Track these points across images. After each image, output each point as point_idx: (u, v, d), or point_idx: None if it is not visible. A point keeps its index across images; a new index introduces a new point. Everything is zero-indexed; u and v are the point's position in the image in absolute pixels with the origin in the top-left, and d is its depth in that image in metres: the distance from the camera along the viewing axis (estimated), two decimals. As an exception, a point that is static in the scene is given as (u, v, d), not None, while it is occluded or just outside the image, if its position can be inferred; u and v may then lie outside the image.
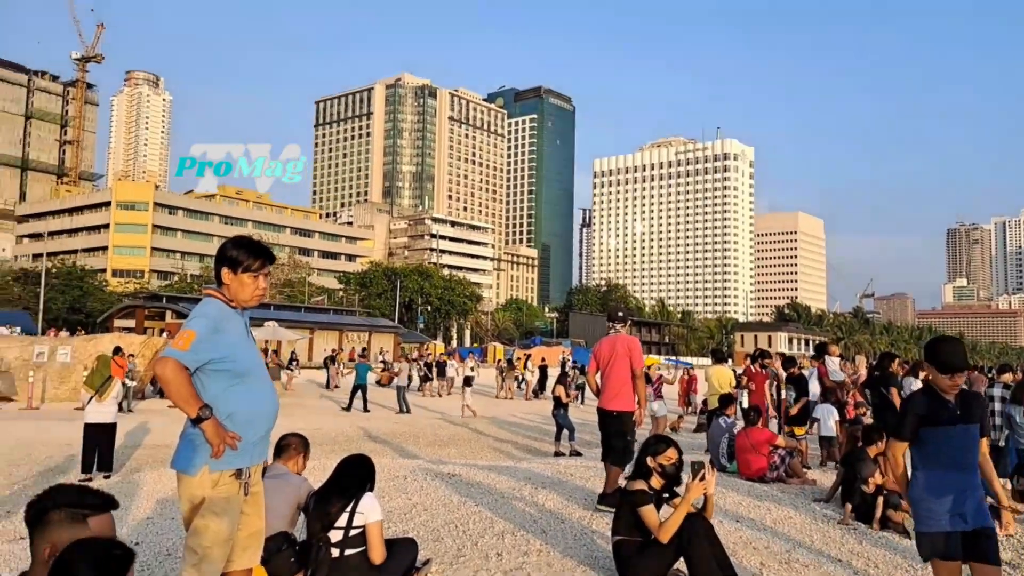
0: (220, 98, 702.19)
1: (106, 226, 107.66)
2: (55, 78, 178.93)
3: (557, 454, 13.16)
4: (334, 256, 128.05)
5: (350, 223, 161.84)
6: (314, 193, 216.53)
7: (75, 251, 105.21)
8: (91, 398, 10.07)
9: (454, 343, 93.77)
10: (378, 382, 32.85)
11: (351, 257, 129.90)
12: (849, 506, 7.12)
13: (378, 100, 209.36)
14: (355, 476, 4.59)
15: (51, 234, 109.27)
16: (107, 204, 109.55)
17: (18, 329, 40.43)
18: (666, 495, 5.03)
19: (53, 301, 68.39)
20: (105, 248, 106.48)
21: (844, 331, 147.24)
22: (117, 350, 18.09)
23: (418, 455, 12.67)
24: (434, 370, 28.54)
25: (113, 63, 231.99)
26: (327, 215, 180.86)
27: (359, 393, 21.19)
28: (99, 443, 9.98)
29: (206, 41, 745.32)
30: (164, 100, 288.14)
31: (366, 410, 20.78)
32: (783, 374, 12.34)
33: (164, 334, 36.84)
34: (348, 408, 21.15)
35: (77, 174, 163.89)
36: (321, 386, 30.95)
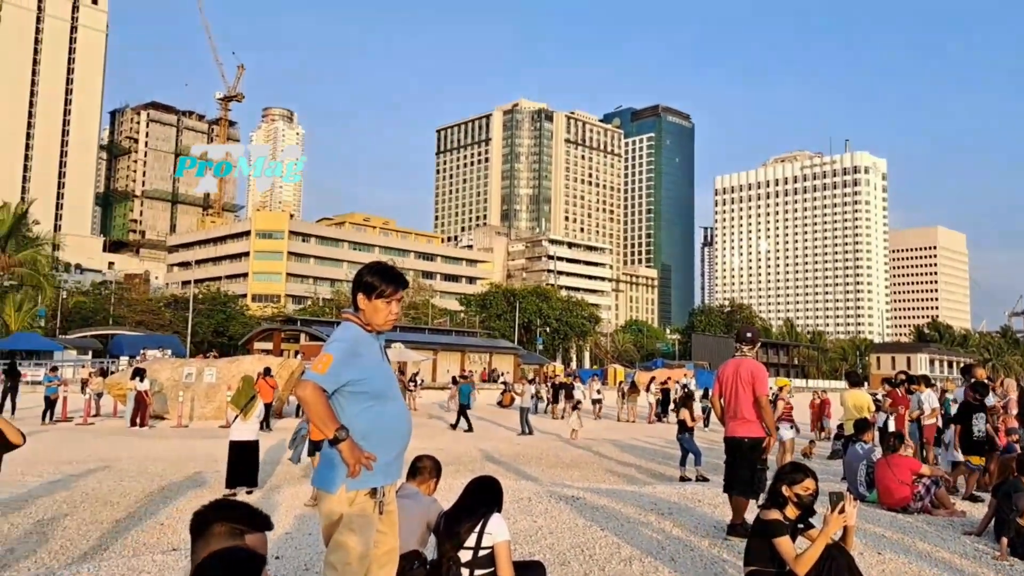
0: (347, 130, 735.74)
1: (246, 254, 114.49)
2: (201, 117, 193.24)
3: (683, 479, 12.86)
4: (455, 279, 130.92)
5: (470, 246, 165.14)
6: (436, 218, 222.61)
7: (219, 278, 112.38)
8: (236, 417, 10.67)
9: (573, 365, 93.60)
10: (499, 403, 33.20)
11: (471, 279, 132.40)
12: (1005, 540, 6.59)
13: (496, 126, 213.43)
14: (484, 497, 4.64)
15: (198, 262, 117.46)
16: (247, 233, 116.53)
17: (169, 352, 43.55)
18: (801, 526, 4.83)
19: (200, 325, 73.27)
20: (246, 275, 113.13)
21: (991, 352, 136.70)
22: (267, 371, 19.10)
23: (540, 478, 12.69)
24: (562, 392, 28.27)
25: (252, 101, 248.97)
26: (448, 239, 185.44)
27: (463, 412, 22.04)
28: (243, 460, 10.55)
29: (334, 77, 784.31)
30: (297, 134, 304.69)
31: (469, 429, 21.29)
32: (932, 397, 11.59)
33: (299, 355, 38.65)
34: (454, 426, 21.89)
35: (220, 206, 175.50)
36: (443, 406, 31.57)
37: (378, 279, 3.72)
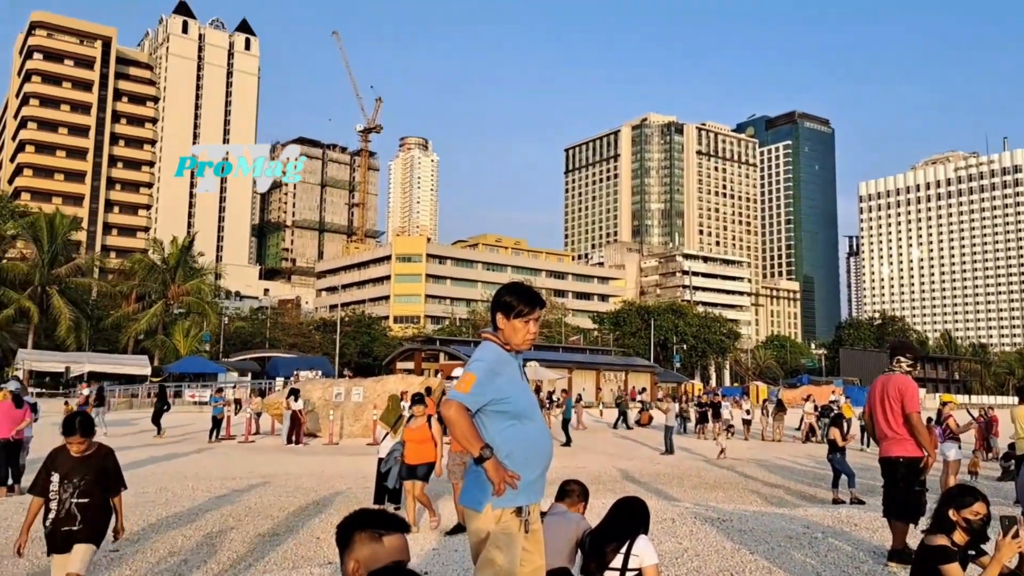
0: (478, 154, 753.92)
1: (387, 277, 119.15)
2: (343, 149, 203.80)
3: (836, 502, 12.20)
4: (587, 297, 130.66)
5: (601, 263, 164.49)
6: (566, 236, 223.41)
7: (363, 301, 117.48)
8: (386, 434, 11.09)
9: (713, 382, 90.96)
10: (637, 421, 32.73)
11: (604, 297, 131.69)
12: None
13: (625, 141, 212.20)
14: (630, 518, 4.59)
15: (343, 287, 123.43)
16: (388, 258, 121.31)
17: (320, 372, 45.86)
18: (971, 552, 4.47)
19: (347, 346, 76.85)
20: (387, 297, 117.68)
21: None
22: (428, 390, 19.82)
23: (682, 499, 12.40)
24: (709, 411, 27.21)
25: (390, 131, 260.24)
26: (579, 257, 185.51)
27: (565, 426, 22.72)
28: (388, 476, 10.93)
29: (466, 102, 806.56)
30: (432, 161, 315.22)
31: (567, 444, 21.87)
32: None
33: (439, 375, 39.71)
34: (567, 443, 22.13)
35: (363, 232, 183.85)
36: (608, 424, 31.43)
37: (516, 299, 3.76)
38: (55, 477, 5.00)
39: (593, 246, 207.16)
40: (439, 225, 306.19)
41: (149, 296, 59.93)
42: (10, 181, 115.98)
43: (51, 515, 4.97)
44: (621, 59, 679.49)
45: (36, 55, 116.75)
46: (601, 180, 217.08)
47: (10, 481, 11.63)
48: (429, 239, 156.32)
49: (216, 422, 22.79)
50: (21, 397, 12.74)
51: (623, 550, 4.43)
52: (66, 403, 37.13)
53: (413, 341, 70.81)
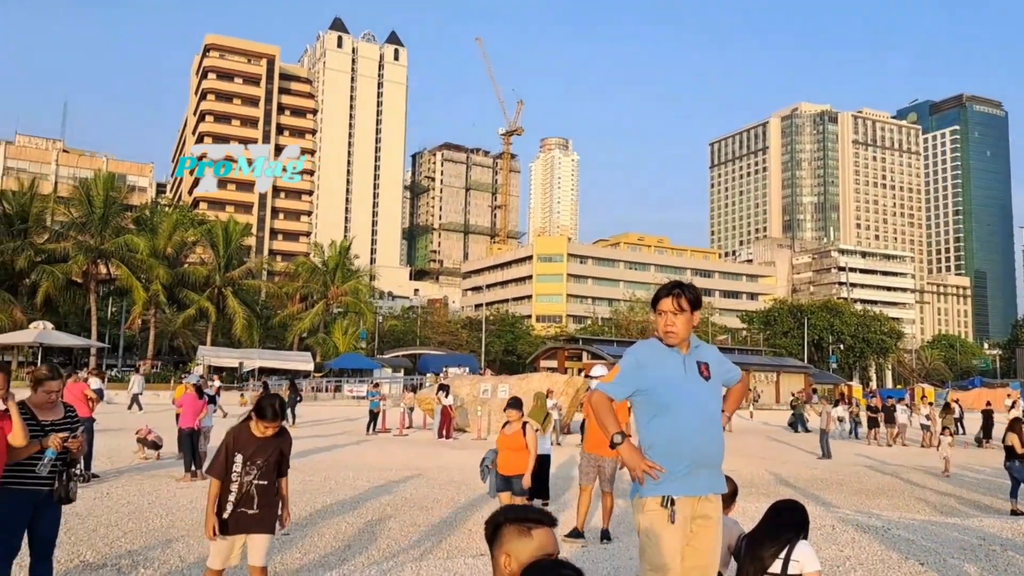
0: (618, 151, 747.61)
1: (529, 277, 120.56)
2: (486, 153, 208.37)
3: (1015, 513, 11.25)
4: (735, 295, 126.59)
5: (750, 260, 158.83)
6: (712, 233, 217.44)
7: (506, 300, 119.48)
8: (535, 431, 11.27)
9: (873, 384, 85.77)
10: (789, 424, 31.46)
11: (752, 295, 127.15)
12: None
13: (773, 133, 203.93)
14: (789, 522, 4.46)
15: (488, 286, 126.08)
16: (530, 258, 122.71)
17: (467, 369, 47.16)
18: None
19: (492, 344, 78.52)
20: (530, 296, 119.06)
21: None
22: (549, 392, 20.05)
23: (841, 505, 11.84)
24: (881, 415, 25.36)
25: (531, 133, 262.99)
26: (726, 254, 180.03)
27: None
28: (537, 472, 11.12)
29: (605, 101, 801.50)
30: (572, 160, 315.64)
31: None
32: None
33: (581, 373, 39.80)
34: None
35: (505, 233, 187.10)
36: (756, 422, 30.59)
37: (656, 295, 3.88)
38: (238, 458, 4.97)
39: (741, 243, 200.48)
40: (580, 225, 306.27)
41: (311, 297, 63.73)
42: (190, 192, 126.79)
43: (231, 495, 4.94)
44: (767, 48, 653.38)
45: (210, 75, 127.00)
46: (748, 174, 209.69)
47: (193, 467, 12.76)
48: (570, 239, 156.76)
49: (373, 416, 23.93)
50: (203, 389, 13.98)
51: (782, 555, 4.31)
52: (242, 395, 40.28)
53: (556, 340, 71.31)
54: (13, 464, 4.70)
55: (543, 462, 11.35)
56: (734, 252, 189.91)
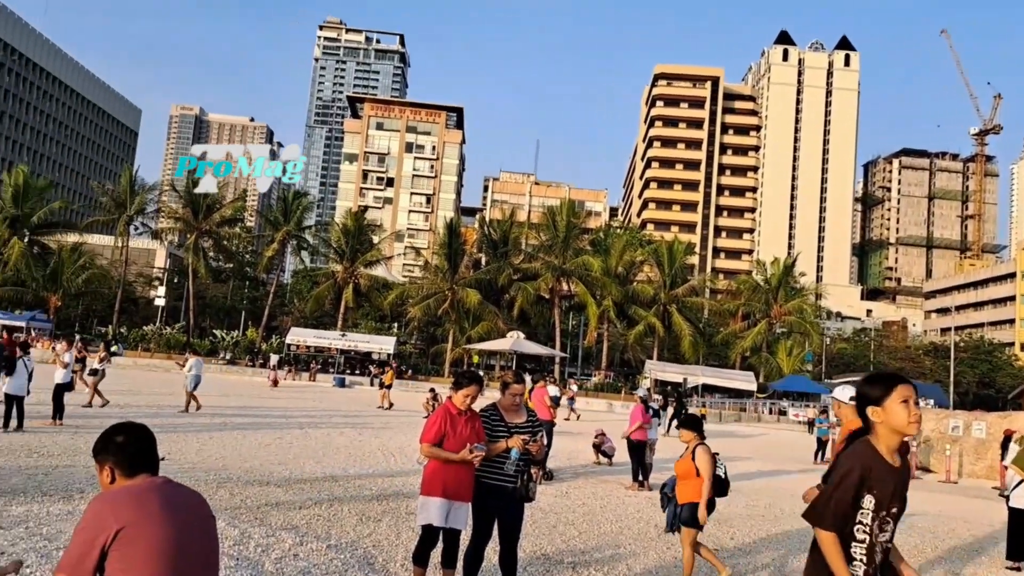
0: None
1: (1012, 298, 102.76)
2: (955, 156, 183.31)
3: None
4: None
5: None
6: None
7: (981, 324, 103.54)
8: (1020, 482, 9.41)
9: None
10: None
11: None
12: None
13: None
14: None
15: (957, 308, 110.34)
16: (1012, 275, 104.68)
17: (931, 402, 41.83)
18: None
19: (963, 375, 68.60)
20: (1012, 321, 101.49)
21: None
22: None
23: None
24: None
25: (1011, 131, 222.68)
26: None
27: None
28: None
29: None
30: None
31: None
32: None
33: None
34: None
35: (979, 247, 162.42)
36: None
37: None
38: (868, 501, 3.03)
39: None
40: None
41: (753, 315, 62.84)
42: (639, 214, 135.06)
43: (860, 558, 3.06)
44: None
45: (658, 103, 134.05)
46: None
47: (640, 478, 13.32)
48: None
49: (821, 444, 22.49)
50: (648, 403, 14.58)
51: None
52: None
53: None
54: (487, 461, 5.41)
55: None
56: None
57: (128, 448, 2.81)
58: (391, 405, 27.98)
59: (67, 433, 13.63)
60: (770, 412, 48.81)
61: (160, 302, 62.22)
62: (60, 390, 15.19)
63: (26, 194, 59.38)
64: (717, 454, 7.21)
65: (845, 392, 5.13)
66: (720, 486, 7.03)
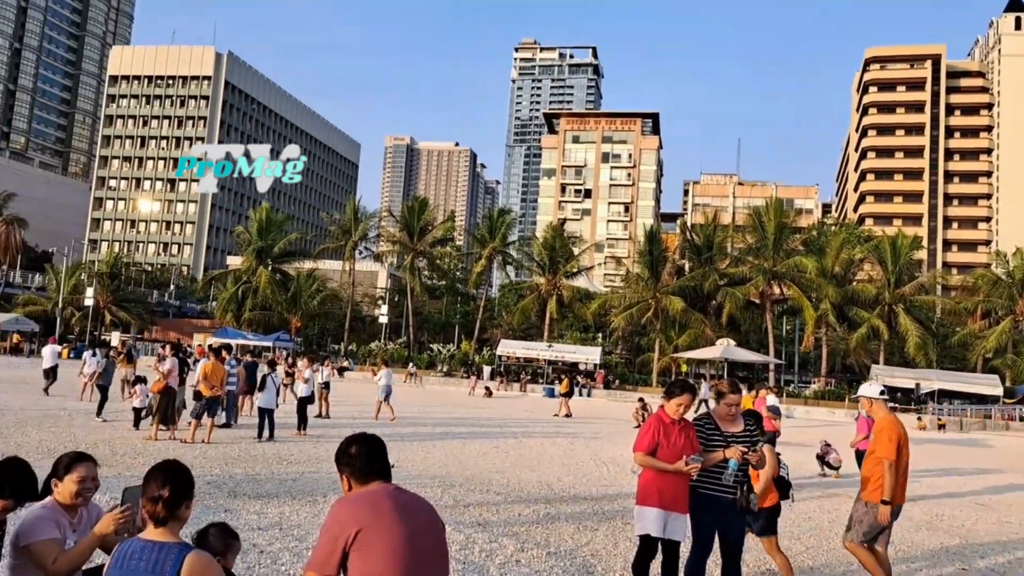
0: None
1: None
2: None
3: None
4: None
5: None
6: None
7: None
8: None
9: None
10: None
11: None
12: None
13: None
14: None
15: None
16: None
17: None
18: None
19: None
20: None
21: None
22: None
23: None
24: None
25: None
26: None
27: None
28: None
29: None
30: None
31: None
32: None
33: None
34: None
35: None
36: None
37: None
38: None
39: None
40: None
41: (995, 312, 56.34)
42: (855, 209, 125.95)
43: None
44: None
45: (871, 89, 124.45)
46: None
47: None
48: None
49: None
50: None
51: None
52: (919, 419, 38.14)
53: None
54: (704, 471, 5.29)
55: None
56: None
57: (360, 458, 3.07)
58: (569, 414, 27.93)
59: (311, 442, 15.05)
60: (1021, 420, 43.53)
61: (383, 319, 67.13)
62: (303, 403, 16.77)
63: (268, 228, 66.46)
64: (779, 453, 7.00)
65: None
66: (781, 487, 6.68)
